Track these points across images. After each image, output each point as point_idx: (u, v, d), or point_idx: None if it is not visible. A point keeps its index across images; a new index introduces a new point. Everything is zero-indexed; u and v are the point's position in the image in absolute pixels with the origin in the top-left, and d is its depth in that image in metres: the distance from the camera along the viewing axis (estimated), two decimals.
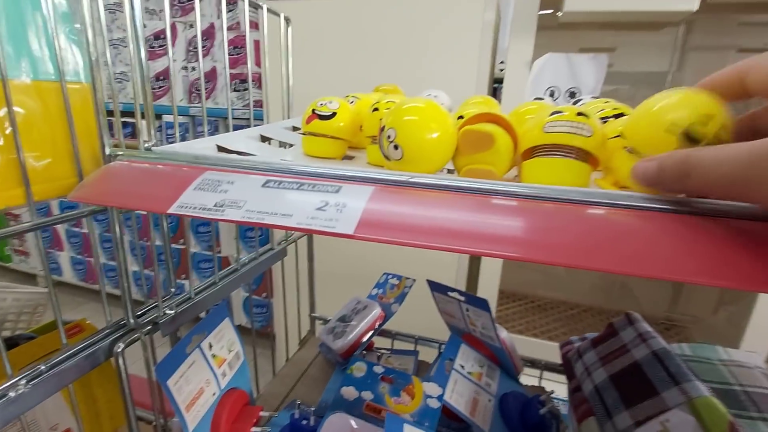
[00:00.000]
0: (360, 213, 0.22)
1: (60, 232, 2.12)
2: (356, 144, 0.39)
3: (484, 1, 1.08)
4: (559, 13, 1.12)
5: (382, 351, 0.63)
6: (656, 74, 1.37)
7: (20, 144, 0.27)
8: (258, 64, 1.79)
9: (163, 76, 1.92)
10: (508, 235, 0.20)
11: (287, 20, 0.51)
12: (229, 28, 1.80)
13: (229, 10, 1.77)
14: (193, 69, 1.89)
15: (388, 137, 0.26)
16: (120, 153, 0.30)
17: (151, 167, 0.28)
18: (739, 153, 0.16)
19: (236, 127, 1.69)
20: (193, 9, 1.88)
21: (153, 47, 1.94)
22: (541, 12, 1.15)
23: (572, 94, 1.15)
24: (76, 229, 2.11)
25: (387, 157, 0.27)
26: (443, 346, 0.64)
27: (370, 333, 0.58)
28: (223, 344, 0.43)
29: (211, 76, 1.89)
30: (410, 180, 0.24)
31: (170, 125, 1.89)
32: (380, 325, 0.59)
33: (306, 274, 0.69)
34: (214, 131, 1.98)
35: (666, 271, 0.18)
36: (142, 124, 0.33)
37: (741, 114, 0.23)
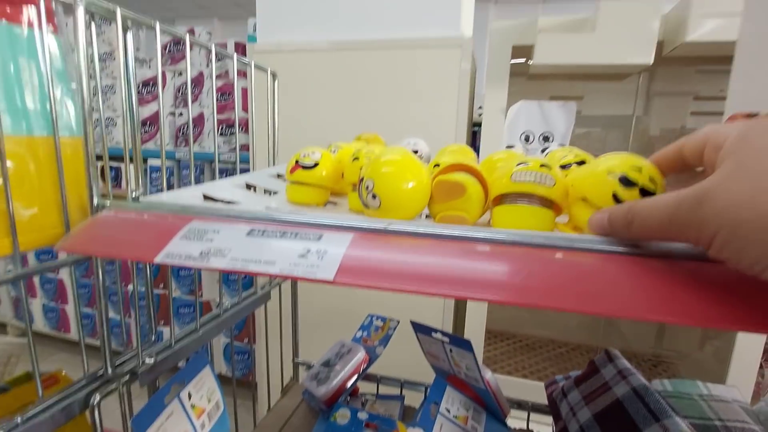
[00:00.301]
0: (340, 259, 0.23)
1: (34, 278, 2.05)
2: (338, 191, 0.41)
3: (461, 51, 1.16)
4: (530, 62, 1.21)
5: (367, 397, 0.62)
6: (623, 117, 1.47)
7: (10, 196, 0.27)
8: (245, 109, 1.85)
9: (150, 121, 1.95)
10: (480, 279, 0.21)
11: (273, 75, 0.54)
12: (218, 77, 1.86)
13: (218, 60, 1.84)
14: (181, 114, 1.94)
15: (367, 187, 0.28)
16: (108, 203, 0.31)
17: (138, 217, 0.29)
18: (668, 201, 0.19)
19: (222, 171, 1.72)
20: (182, 58, 1.94)
21: (141, 94, 1.99)
22: (513, 61, 1.24)
23: (546, 138, 1.22)
24: (51, 275, 2.04)
25: (366, 206, 0.29)
26: (429, 389, 0.63)
27: (355, 378, 0.57)
28: (203, 393, 0.42)
29: (199, 121, 1.93)
30: (387, 227, 0.26)
31: (155, 169, 1.90)
32: (365, 369, 0.58)
33: (290, 318, 0.68)
34: (199, 175, 2.00)
35: (622, 309, 0.19)
36: (130, 174, 0.34)
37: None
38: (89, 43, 0.30)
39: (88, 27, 0.30)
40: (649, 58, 1.10)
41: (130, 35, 0.33)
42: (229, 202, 0.35)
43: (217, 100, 1.85)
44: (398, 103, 1.16)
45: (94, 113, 0.31)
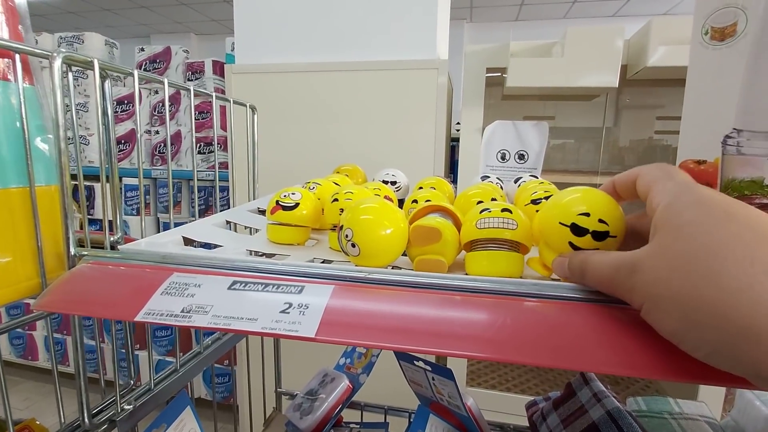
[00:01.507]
0: (321, 315, 0.24)
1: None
2: (319, 227, 0.42)
3: (437, 72, 1.19)
4: (505, 86, 1.25)
5: (352, 425, 0.62)
6: (595, 129, 1.53)
7: None
8: (223, 127, 1.83)
9: (124, 139, 1.92)
10: (457, 334, 0.22)
11: (253, 109, 0.55)
12: (196, 95, 1.85)
13: (196, 78, 1.83)
14: (157, 132, 1.91)
15: (347, 236, 0.29)
16: (85, 253, 0.31)
17: (116, 270, 0.29)
18: (611, 262, 0.21)
19: (201, 188, 1.69)
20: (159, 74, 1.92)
21: (117, 112, 1.95)
22: (489, 75, 1.28)
23: (521, 157, 1.26)
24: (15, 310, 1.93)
25: (346, 254, 0.30)
26: (413, 415, 0.63)
27: (339, 408, 0.57)
28: None
29: (176, 139, 1.91)
30: (368, 277, 0.27)
31: (130, 188, 1.86)
32: (348, 399, 0.58)
33: (272, 346, 0.68)
34: (177, 192, 1.96)
35: (588, 364, 0.21)
36: (107, 220, 0.34)
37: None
38: (66, 94, 0.30)
39: (64, 78, 0.30)
40: (614, 81, 1.15)
41: (108, 83, 0.34)
42: (210, 246, 0.35)
43: (195, 118, 1.83)
44: (377, 123, 1.18)
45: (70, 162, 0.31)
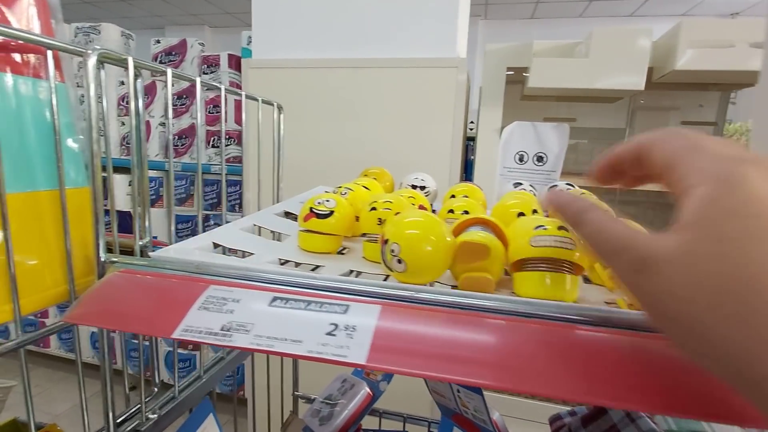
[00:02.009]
0: (370, 339, 0.22)
1: None
2: (351, 235, 0.40)
3: (457, 71, 1.16)
4: (527, 85, 1.22)
5: None
6: (617, 131, 1.50)
7: (13, 260, 0.26)
8: (237, 122, 1.83)
9: None
10: (524, 368, 0.21)
11: (280, 108, 0.53)
12: (210, 88, 1.84)
13: (211, 72, 1.82)
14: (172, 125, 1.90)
15: (392, 251, 0.27)
16: (115, 259, 0.30)
17: (149, 279, 0.27)
18: (617, 237, 0.17)
19: (212, 182, 1.68)
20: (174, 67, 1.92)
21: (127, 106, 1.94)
22: (509, 76, 1.26)
23: (539, 159, 1.23)
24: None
25: (390, 269, 0.28)
26: (433, 425, 0.62)
27: (359, 416, 0.56)
28: None
29: (190, 132, 1.90)
30: (416, 296, 0.25)
31: None
32: (368, 406, 0.57)
33: None
34: (189, 185, 1.96)
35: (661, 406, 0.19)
36: (137, 223, 0.33)
37: None
38: (99, 93, 0.29)
39: (97, 76, 0.29)
40: (641, 83, 1.12)
41: (140, 82, 0.32)
42: (242, 254, 0.34)
43: (209, 112, 1.82)
44: (394, 122, 1.16)
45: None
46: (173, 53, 1.87)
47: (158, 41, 1.89)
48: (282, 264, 0.35)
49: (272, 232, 0.47)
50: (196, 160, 1.82)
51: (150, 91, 1.90)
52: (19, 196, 0.27)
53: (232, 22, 3.90)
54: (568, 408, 0.59)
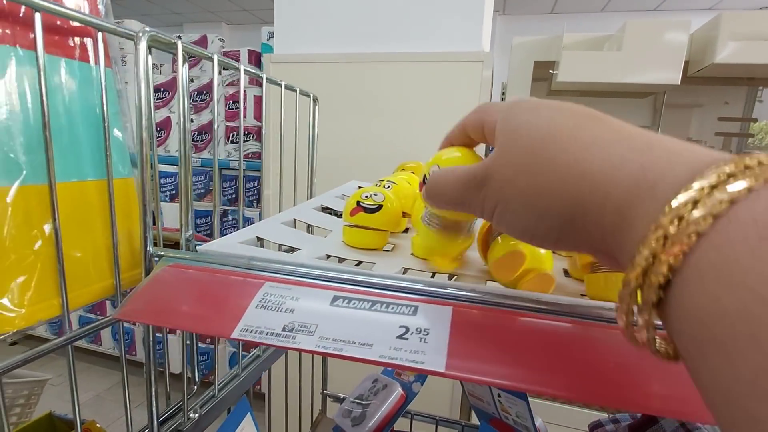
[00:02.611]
0: (446, 344, 0.20)
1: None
2: (398, 230, 0.39)
3: (482, 65, 1.14)
4: (555, 80, 1.19)
5: None
6: (648, 129, 1.44)
7: (62, 255, 0.25)
8: (256, 117, 1.83)
9: (159, 127, 1.93)
10: (599, 378, 0.19)
11: (315, 100, 0.52)
12: (230, 84, 1.84)
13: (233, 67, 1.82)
14: (192, 121, 1.91)
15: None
16: (161, 253, 0.29)
17: (200, 275, 0.26)
18: (459, 176, 0.21)
19: (230, 178, 1.68)
20: (194, 65, 1.92)
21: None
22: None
23: None
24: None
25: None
26: (466, 428, 0.60)
27: (392, 418, 0.54)
28: None
29: (209, 128, 1.91)
30: (486, 299, 0.23)
31: (164, 174, 1.87)
32: (402, 408, 0.55)
33: None
34: (208, 181, 1.97)
35: None
36: (181, 214, 0.32)
37: None
38: (147, 79, 0.28)
39: (147, 60, 0.28)
40: (677, 78, 1.08)
41: (185, 67, 0.31)
42: (289, 249, 0.32)
43: (229, 108, 1.82)
44: (417, 118, 1.14)
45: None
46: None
47: (179, 37, 1.90)
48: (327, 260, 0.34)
49: (308, 226, 0.46)
50: (217, 155, 1.82)
51: (170, 87, 1.91)
52: (67, 186, 0.26)
53: (249, 19, 3.91)
54: (608, 415, 0.57)
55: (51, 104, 0.24)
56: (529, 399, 0.46)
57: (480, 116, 0.22)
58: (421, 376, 0.58)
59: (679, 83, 1.08)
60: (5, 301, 0.23)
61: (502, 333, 0.21)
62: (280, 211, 0.42)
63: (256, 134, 1.82)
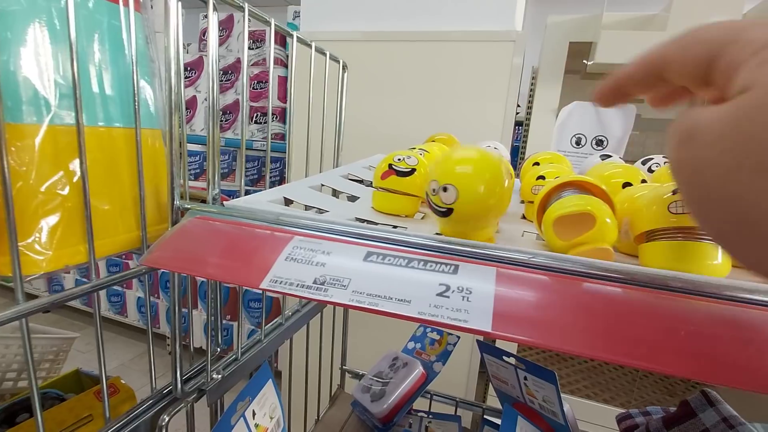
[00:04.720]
0: (491, 304, 0.19)
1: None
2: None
3: (514, 46, 1.09)
4: (591, 62, 1.13)
5: (421, 414, 0.58)
6: (666, 121, 1.37)
7: (89, 199, 0.24)
8: (280, 99, 1.82)
9: (187, 105, 1.95)
10: (654, 340, 0.17)
11: (344, 66, 0.50)
12: (255, 64, 1.84)
13: (257, 47, 1.82)
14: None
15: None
16: (188, 206, 0.28)
17: (227, 227, 0.25)
18: (727, 110, 0.14)
19: (254, 158, 1.69)
20: (220, 44, 1.92)
21: None
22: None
23: (599, 143, 1.14)
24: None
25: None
26: (487, 411, 0.59)
27: (412, 396, 0.53)
28: (266, 411, 0.39)
29: (234, 108, 1.92)
30: (533, 261, 0.21)
31: (190, 153, 1.90)
32: (422, 387, 0.54)
33: (340, 322, 0.65)
34: (231, 161, 1.99)
35: None
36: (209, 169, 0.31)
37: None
38: (177, 24, 0.26)
39: (178, 7, 0.26)
40: None
41: (216, 16, 0.30)
42: (318, 210, 0.31)
43: (253, 88, 1.82)
44: (444, 99, 1.11)
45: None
46: (220, 28, 1.88)
47: (206, 16, 1.90)
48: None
49: (333, 191, 0.45)
50: (239, 135, 1.83)
51: (197, 66, 1.92)
52: (94, 131, 0.25)
53: (273, 1, 3.90)
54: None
55: (78, 42, 0.23)
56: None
57: (708, 49, 0.15)
58: (443, 355, 0.57)
59: None
60: (33, 242, 0.22)
61: (557, 297, 0.19)
62: None
63: (280, 115, 1.81)
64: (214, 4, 0.28)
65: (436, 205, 0.24)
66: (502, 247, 0.22)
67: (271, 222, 0.25)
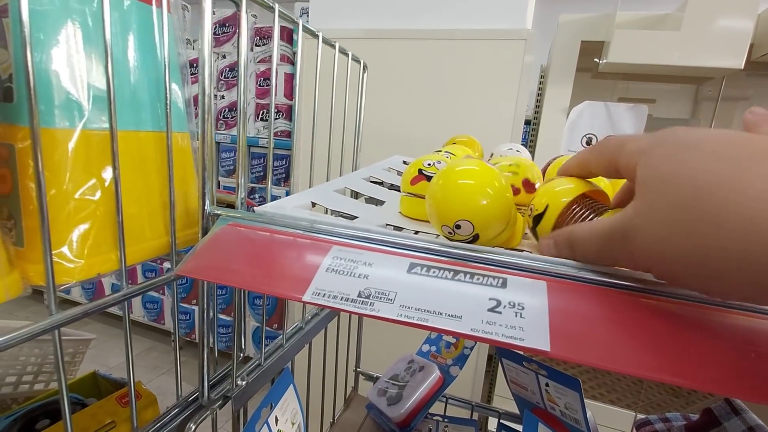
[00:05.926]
0: (547, 321, 0.18)
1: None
2: None
3: (525, 44, 1.08)
4: (603, 61, 1.12)
5: (437, 418, 0.58)
6: (676, 121, 1.36)
7: (121, 205, 0.23)
8: (286, 96, 1.81)
9: (194, 103, 1.94)
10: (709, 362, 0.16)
11: (365, 66, 0.49)
12: (262, 61, 1.83)
13: (264, 44, 1.81)
14: (222, 97, 1.91)
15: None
16: (219, 212, 0.27)
17: (264, 236, 0.24)
18: (601, 229, 0.19)
19: (259, 155, 1.68)
20: (226, 41, 1.91)
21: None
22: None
23: None
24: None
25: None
26: (504, 416, 0.58)
27: (429, 400, 0.53)
28: (288, 417, 0.38)
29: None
30: (581, 275, 0.21)
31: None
32: (439, 391, 0.54)
33: (354, 324, 0.64)
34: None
35: None
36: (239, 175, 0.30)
37: None
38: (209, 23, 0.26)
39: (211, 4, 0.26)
40: (740, 62, 1.00)
41: (245, 16, 0.29)
42: (347, 216, 0.30)
43: (260, 85, 1.81)
44: (451, 97, 1.09)
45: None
46: (227, 24, 1.87)
47: (213, 12, 1.89)
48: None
49: (355, 194, 0.44)
50: (247, 133, 1.81)
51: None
52: (125, 135, 0.25)
53: None
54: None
55: (113, 44, 0.23)
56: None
57: (611, 155, 0.21)
58: (460, 359, 0.57)
59: (742, 68, 0.99)
60: (65, 250, 0.22)
61: (614, 314, 0.19)
62: (310, 187, 0.40)
63: (286, 113, 1.80)
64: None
65: (461, 242, 0.24)
66: (549, 259, 0.21)
67: (305, 230, 0.25)
